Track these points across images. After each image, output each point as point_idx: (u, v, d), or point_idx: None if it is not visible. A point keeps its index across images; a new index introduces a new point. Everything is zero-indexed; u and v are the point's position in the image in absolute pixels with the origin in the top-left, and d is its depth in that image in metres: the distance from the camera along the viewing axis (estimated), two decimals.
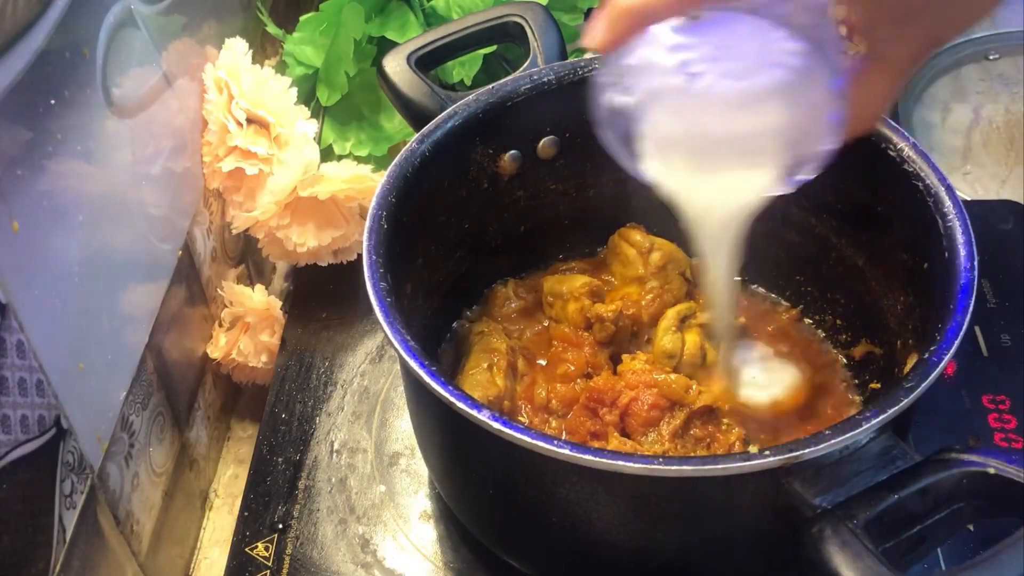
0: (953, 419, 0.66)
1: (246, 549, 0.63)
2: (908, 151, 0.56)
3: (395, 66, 0.63)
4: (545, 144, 0.65)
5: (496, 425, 0.45)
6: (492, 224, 0.67)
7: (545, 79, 0.62)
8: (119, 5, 0.60)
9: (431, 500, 0.65)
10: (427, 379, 0.47)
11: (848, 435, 0.44)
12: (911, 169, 0.55)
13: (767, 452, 0.43)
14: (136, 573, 0.60)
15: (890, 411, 0.44)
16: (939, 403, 0.67)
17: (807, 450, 0.43)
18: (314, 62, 0.79)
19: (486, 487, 0.54)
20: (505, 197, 0.66)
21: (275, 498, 0.65)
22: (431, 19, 0.80)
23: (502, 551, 0.58)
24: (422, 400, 0.55)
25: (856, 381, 0.64)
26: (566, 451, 0.44)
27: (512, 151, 0.64)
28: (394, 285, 0.52)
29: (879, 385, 0.61)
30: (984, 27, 1.06)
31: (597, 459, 0.44)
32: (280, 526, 0.64)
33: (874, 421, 0.44)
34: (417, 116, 0.62)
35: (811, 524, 0.43)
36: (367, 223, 0.54)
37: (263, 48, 0.88)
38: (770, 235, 0.67)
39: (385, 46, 0.72)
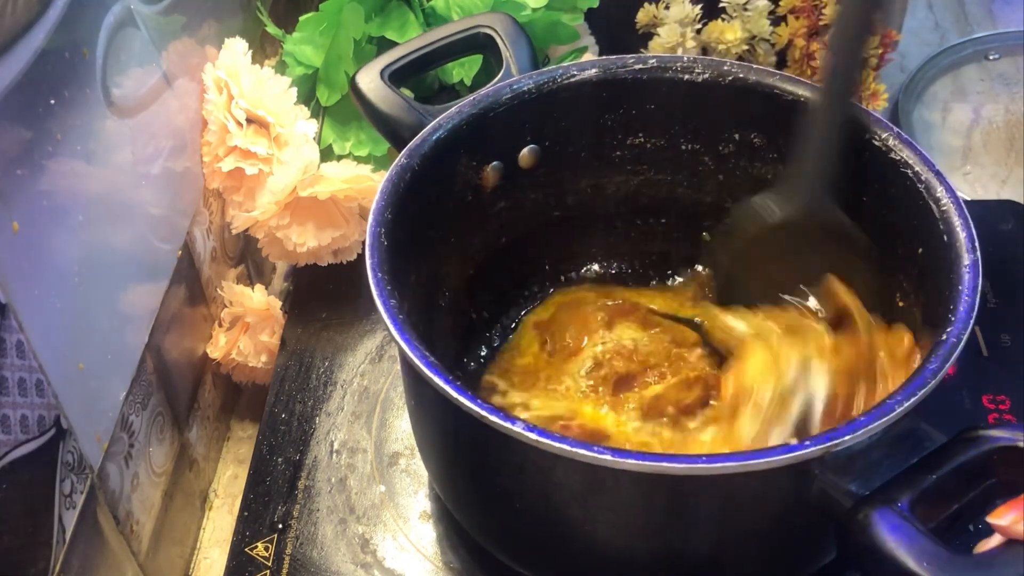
0: (953, 419, 0.66)
1: (246, 549, 0.63)
2: (893, 140, 0.56)
3: (369, 82, 0.63)
4: (526, 154, 0.65)
5: (527, 433, 0.44)
6: (476, 236, 0.66)
7: (525, 88, 0.62)
8: (119, 5, 0.60)
9: (431, 500, 0.65)
10: (485, 415, 0.46)
11: (884, 420, 0.44)
12: (898, 158, 0.56)
13: (807, 442, 0.43)
14: (136, 573, 0.60)
15: (920, 393, 0.45)
16: (939, 403, 0.67)
17: (846, 438, 0.43)
18: (314, 62, 0.79)
19: (493, 491, 0.54)
20: (488, 209, 0.66)
21: (275, 498, 0.65)
22: (431, 19, 0.80)
23: (510, 558, 0.58)
24: (456, 429, 0.54)
25: None
26: (607, 456, 0.43)
27: (494, 162, 0.64)
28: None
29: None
30: (984, 27, 1.06)
31: (639, 462, 0.43)
32: (280, 526, 0.64)
33: (906, 404, 0.44)
34: (394, 131, 0.62)
35: (855, 511, 0.43)
36: (367, 241, 0.53)
37: (263, 48, 0.88)
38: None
39: (385, 46, 0.73)
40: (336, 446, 0.68)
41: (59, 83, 0.52)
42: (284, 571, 0.62)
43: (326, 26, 0.79)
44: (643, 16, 0.85)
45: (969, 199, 0.86)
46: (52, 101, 0.52)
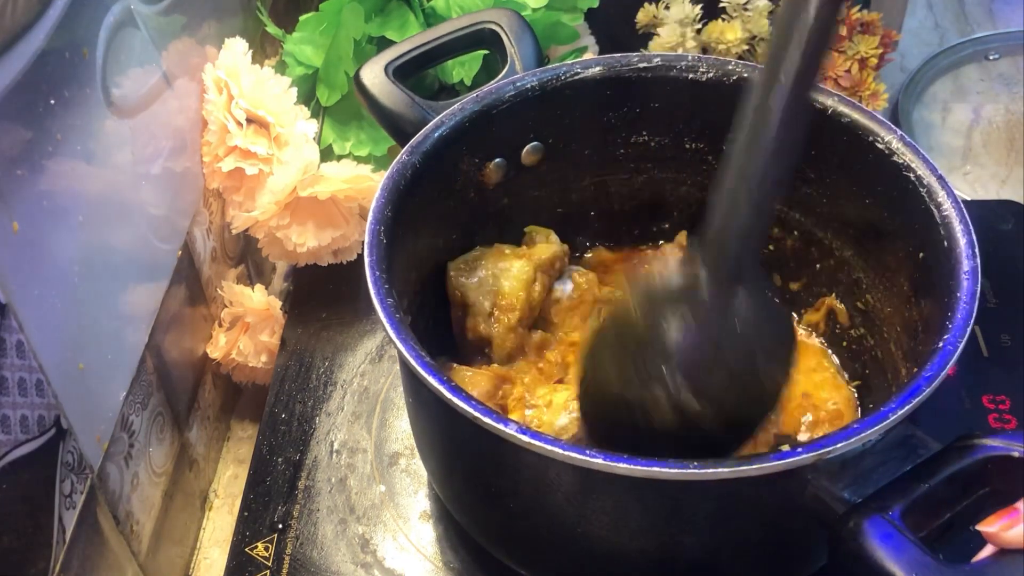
0: (953, 419, 0.66)
1: (246, 549, 0.63)
2: (896, 143, 0.56)
3: (373, 77, 0.63)
4: (528, 151, 0.65)
5: (520, 436, 0.44)
6: (477, 234, 0.66)
7: (529, 85, 0.62)
8: (119, 5, 0.60)
9: (431, 500, 0.65)
10: (478, 416, 0.45)
11: (877, 427, 0.44)
12: (901, 161, 0.56)
13: (800, 449, 0.43)
14: (136, 573, 0.60)
15: (915, 400, 0.45)
16: (939, 403, 0.67)
17: (839, 445, 0.43)
18: (314, 62, 0.79)
19: (489, 491, 0.54)
20: (489, 206, 0.66)
21: (275, 498, 0.65)
22: (431, 19, 0.80)
23: (508, 557, 0.58)
24: (454, 435, 0.54)
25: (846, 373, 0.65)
26: (598, 460, 0.43)
27: (497, 159, 0.64)
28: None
29: (868, 372, 0.62)
30: (984, 27, 1.06)
31: (630, 466, 0.43)
32: (280, 526, 0.64)
33: (901, 412, 0.44)
34: (397, 127, 0.62)
35: (846, 519, 0.43)
36: (366, 239, 0.53)
37: (263, 48, 0.88)
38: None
39: (385, 46, 0.72)
40: (336, 446, 0.68)
41: (59, 83, 0.52)
42: (284, 571, 0.62)
43: (326, 26, 0.79)
44: (643, 16, 0.85)
45: (969, 199, 0.86)
46: (52, 101, 0.52)
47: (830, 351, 0.66)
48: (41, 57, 0.51)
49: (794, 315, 0.68)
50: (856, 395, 0.63)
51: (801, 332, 0.67)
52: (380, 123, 0.63)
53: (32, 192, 0.50)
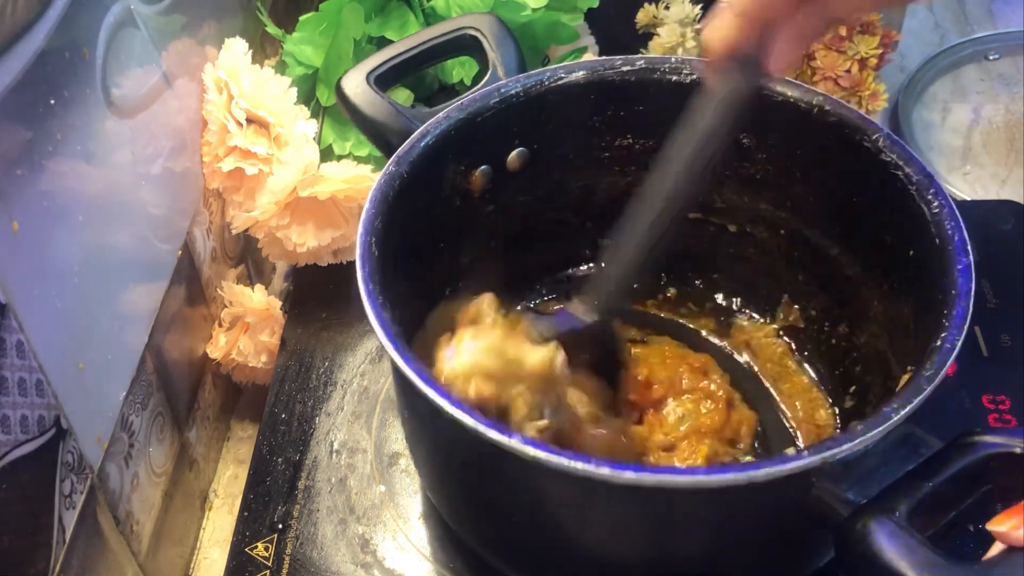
0: (952, 419, 0.66)
1: (246, 549, 0.63)
2: (884, 141, 0.56)
3: (355, 86, 0.62)
4: (514, 157, 0.65)
5: (525, 448, 0.44)
6: (466, 241, 0.66)
7: (513, 91, 0.62)
8: (119, 5, 0.60)
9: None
10: (481, 429, 0.45)
11: (881, 429, 0.44)
12: (889, 159, 0.56)
13: (805, 452, 0.43)
14: (136, 573, 0.60)
15: (917, 400, 0.45)
16: (938, 403, 0.67)
17: (844, 446, 0.43)
18: (314, 62, 0.79)
19: (488, 503, 0.54)
20: (476, 213, 0.65)
21: (275, 498, 0.65)
22: (431, 19, 0.80)
23: (507, 566, 0.58)
24: (450, 447, 0.54)
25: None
26: (605, 470, 0.43)
27: (483, 166, 0.64)
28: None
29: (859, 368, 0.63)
30: (984, 27, 1.06)
31: (639, 475, 0.43)
32: (280, 526, 0.64)
33: (903, 412, 0.44)
34: (380, 136, 0.61)
35: (853, 521, 0.43)
36: (358, 251, 0.52)
37: (263, 48, 0.88)
38: (741, 234, 0.68)
39: (385, 46, 0.73)
40: (336, 446, 0.68)
41: (59, 83, 0.52)
42: (284, 571, 0.62)
43: (326, 26, 0.79)
44: (643, 16, 0.85)
45: (969, 199, 0.86)
46: (52, 101, 0.52)
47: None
48: (41, 57, 0.51)
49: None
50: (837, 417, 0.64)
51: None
52: (364, 133, 0.63)
53: (32, 192, 0.50)
